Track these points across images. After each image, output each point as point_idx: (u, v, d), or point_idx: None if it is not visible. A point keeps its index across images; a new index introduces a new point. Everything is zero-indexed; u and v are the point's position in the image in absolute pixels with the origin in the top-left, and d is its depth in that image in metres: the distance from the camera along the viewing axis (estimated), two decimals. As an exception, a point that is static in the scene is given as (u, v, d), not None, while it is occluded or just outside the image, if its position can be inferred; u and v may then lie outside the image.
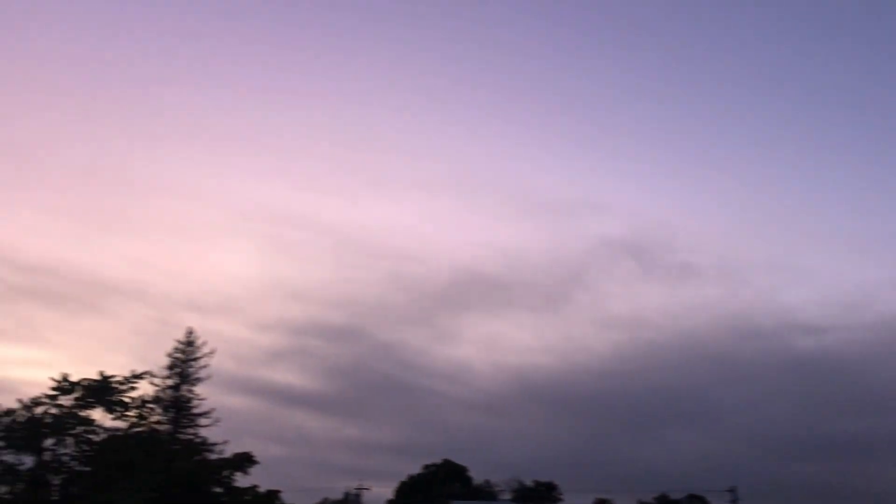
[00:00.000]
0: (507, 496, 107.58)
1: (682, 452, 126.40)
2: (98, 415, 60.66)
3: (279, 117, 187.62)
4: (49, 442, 58.82)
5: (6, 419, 57.95)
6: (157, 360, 69.31)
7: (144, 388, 64.14)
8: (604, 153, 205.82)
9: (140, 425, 62.10)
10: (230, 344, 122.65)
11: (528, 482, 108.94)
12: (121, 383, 61.88)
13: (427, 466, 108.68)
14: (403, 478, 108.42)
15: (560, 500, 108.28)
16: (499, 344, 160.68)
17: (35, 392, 60.55)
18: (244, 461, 67.83)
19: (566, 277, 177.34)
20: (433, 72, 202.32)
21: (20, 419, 58.24)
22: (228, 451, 67.08)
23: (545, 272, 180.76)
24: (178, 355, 69.30)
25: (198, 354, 69.94)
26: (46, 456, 58.55)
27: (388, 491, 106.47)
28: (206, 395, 69.78)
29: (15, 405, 59.31)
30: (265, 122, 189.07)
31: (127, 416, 61.46)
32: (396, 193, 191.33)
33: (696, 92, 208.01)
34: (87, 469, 59.30)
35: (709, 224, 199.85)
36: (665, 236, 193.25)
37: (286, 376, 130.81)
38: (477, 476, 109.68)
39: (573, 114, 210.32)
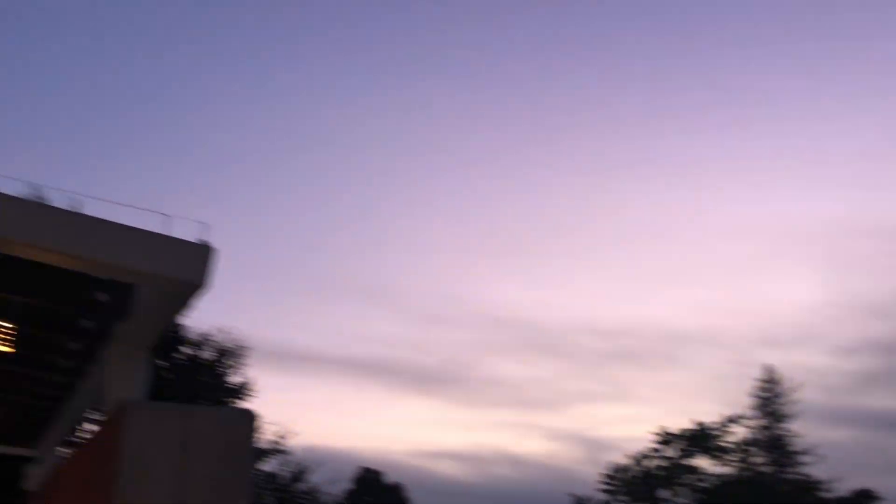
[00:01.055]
0: None
1: None
2: (701, 462, 62.46)
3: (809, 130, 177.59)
4: (662, 493, 62.15)
5: (623, 475, 63.02)
6: (741, 401, 68.88)
7: (738, 431, 64.26)
8: None
9: (745, 469, 62.09)
10: (814, 374, 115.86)
11: None
12: (715, 429, 62.95)
13: None
14: None
15: None
16: None
17: (636, 447, 64.36)
18: (862, 498, 62.64)
19: None
20: None
21: (636, 474, 62.76)
22: (843, 489, 62.79)
23: None
24: (763, 394, 68.35)
25: (782, 390, 68.19)
26: (665, 506, 61.85)
27: None
28: (801, 431, 67.29)
29: (624, 461, 64.02)
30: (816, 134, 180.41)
31: (729, 460, 62.19)
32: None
33: None
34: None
35: None
36: None
37: (886, 401, 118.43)
38: None
39: None
